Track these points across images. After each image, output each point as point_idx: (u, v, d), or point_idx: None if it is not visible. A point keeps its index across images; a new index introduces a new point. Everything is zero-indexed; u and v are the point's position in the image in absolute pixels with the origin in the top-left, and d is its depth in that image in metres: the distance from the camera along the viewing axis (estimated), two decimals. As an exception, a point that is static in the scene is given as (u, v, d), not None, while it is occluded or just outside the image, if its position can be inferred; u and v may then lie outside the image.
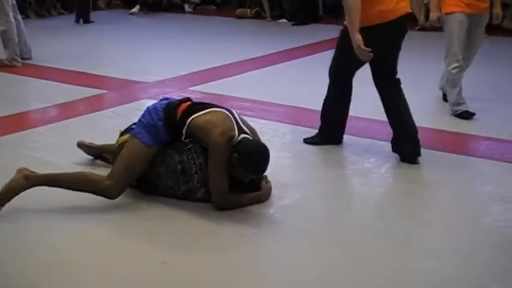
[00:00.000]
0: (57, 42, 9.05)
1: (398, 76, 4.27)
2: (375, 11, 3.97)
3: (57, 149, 4.56)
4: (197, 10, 12.79)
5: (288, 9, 11.16)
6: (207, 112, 3.51)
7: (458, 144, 4.73)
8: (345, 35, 4.08)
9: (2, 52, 7.38)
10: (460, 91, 5.15)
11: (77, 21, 11.04)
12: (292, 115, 5.36)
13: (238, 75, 6.97)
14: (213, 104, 3.66)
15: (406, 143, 4.25)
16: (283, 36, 9.63)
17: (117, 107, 5.65)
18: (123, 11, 12.68)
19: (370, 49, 3.91)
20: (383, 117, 4.78)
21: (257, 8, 11.69)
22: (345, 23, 4.06)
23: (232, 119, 3.49)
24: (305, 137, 4.65)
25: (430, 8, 5.20)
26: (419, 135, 4.27)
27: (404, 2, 4.10)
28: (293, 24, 10.65)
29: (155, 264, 2.98)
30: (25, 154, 4.46)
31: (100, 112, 5.52)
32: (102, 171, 4.06)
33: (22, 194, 3.46)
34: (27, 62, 7.53)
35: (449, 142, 4.78)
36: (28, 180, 3.45)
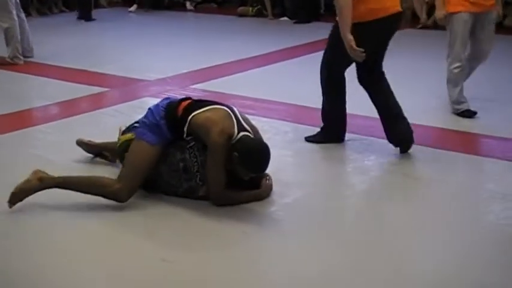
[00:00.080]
0: (58, 40, 9.05)
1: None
2: (366, 8, 4.00)
3: (58, 146, 4.56)
4: (198, 8, 12.78)
5: (290, 7, 11.16)
6: (208, 109, 3.52)
7: (459, 143, 4.73)
8: (336, 32, 4.10)
9: (4, 50, 7.38)
10: (461, 90, 5.15)
11: (80, 18, 11.06)
12: (294, 113, 5.36)
13: (239, 73, 6.97)
14: (215, 102, 3.66)
15: (399, 127, 4.32)
16: (285, 34, 9.63)
17: (118, 105, 5.66)
18: (124, 8, 12.68)
19: (362, 49, 3.94)
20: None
21: (259, 6, 11.68)
22: (337, 18, 4.09)
23: (233, 116, 3.49)
24: (306, 135, 4.65)
25: (436, 6, 5.14)
26: (422, 133, 4.27)
27: (395, 1, 4.16)
28: (295, 23, 10.64)
29: (155, 262, 2.98)
30: (26, 152, 4.47)
31: (101, 110, 5.53)
32: (102, 169, 4.08)
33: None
34: (29, 59, 7.54)
35: (451, 140, 4.78)
36: (42, 183, 3.49)
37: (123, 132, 3.95)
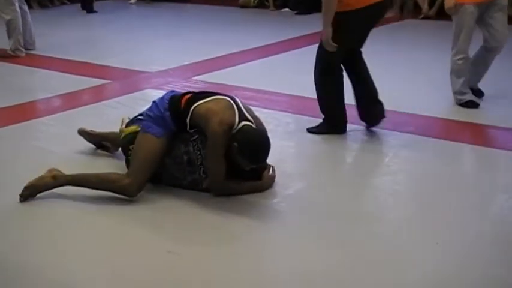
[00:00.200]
0: (60, 32, 9.05)
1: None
2: None
3: (61, 138, 4.57)
4: (200, -1, 12.78)
5: (291, -3, 11.15)
6: (210, 100, 3.52)
7: (462, 133, 4.72)
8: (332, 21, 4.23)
9: (5, 42, 7.38)
10: (465, 81, 5.13)
11: (83, 8, 11.08)
12: (296, 104, 5.36)
13: (241, 64, 6.96)
14: (217, 93, 3.66)
15: (374, 106, 4.55)
16: (287, 25, 9.61)
17: (120, 96, 5.66)
18: (125, 1, 12.66)
19: (336, 45, 4.21)
20: (386, 106, 4.77)
21: (260, -3, 11.67)
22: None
23: (235, 106, 3.48)
24: (308, 126, 4.65)
25: None
26: (424, 124, 4.27)
27: None
28: (296, 14, 10.63)
29: (161, 254, 2.99)
30: (29, 144, 4.48)
31: (103, 102, 5.53)
32: (104, 161, 4.09)
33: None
34: (31, 52, 7.54)
35: (453, 131, 4.77)
36: (55, 180, 3.53)
37: (127, 125, 3.95)
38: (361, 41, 4.45)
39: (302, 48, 7.55)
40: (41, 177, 3.52)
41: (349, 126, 4.60)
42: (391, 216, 3.41)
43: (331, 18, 4.15)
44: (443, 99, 5.31)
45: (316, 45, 4.48)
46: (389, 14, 10.19)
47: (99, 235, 3.22)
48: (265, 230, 3.28)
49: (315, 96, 4.59)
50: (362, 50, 4.56)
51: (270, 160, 3.60)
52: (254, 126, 3.48)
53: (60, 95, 5.78)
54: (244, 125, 3.42)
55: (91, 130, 4.27)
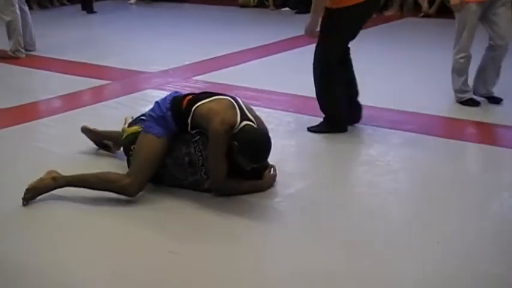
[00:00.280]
0: (60, 33, 9.05)
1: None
2: None
3: (61, 139, 4.57)
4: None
5: (291, -3, 11.14)
6: (211, 100, 3.52)
7: (463, 131, 4.72)
8: (326, 20, 4.36)
9: (5, 43, 7.37)
10: (466, 79, 5.12)
11: (84, 9, 11.10)
12: (296, 104, 5.35)
13: (241, 64, 6.96)
14: (218, 93, 3.66)
15: (356, 106, 4.65)
16: (287, 24, 9.60)
17: (120, 97, 5.65)
18: (125, 1, 12.66)
19: (317, 31, 4.44)
20: (386, 104, 4.79)
21: (260, -3, 11.67)
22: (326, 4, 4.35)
23: (236, 106, 3.48)
24: (309, 125, 4.65)
25: None
26: (425, 122, 4.27)
27: None
28: (296, 13, 10.61)
29: (163, 254, 2.99)
30: (29, 145, 4.48)
31: (104, 103, 5.52)
32: (105, 161, 4.09)
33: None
34: (31, 53, 7.53)
35: (454, 129, 4.77)
36: (55, 182, 3.52)
37: (130, 125, 3.95)
38: (352, 38, 4.48)
39: (302, 48, 7.53)
40: (41, 179, 3.51)
41: (349, 126, 4.60)
42: (392, 216, 3.41)
43: (320, 12, 4.32)
44: (444, 98, 5.30)
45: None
46: (389, 12, 10.22)
47: (99, 235, 3.21)
48: (266, 230, 3.28)
49: (315, 95, 4.59)
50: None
51: (270, 159, 3.60)
52: (255, 126, 3.48)
53: (61, 95, 5.78)
54: (246, 124, 3.41)
55: (94, 128, 4.28)
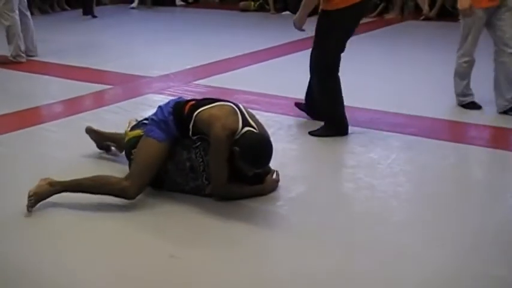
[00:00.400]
0: (61, 38, 9.05)
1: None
2: None
3: (63, 144, 4.58)
4: (200, 3, 12.77)
5: (291, 1, 11.14)
6: (213, 106, 3.52)
7: (464, 134, 4.72)
8: (323, 22, 4.46)
9: (6, 49, 7.38)
10: (468, 83, 5.12)
11: (85, 14, 11.13)
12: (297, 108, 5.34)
13: (242, 68, 6.97)
14: (220, 99, 3.66)
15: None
16: (287, 28, 9.56)
17: (122, 102, 5.66)
18: (125, 5, 12.68)
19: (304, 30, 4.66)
20: (387, 107, 4.79)
21: (260, 1, 11.69)
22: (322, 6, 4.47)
23: (238, 112, 3.49)
24: (310, 129, 4.65)
25: None
26: (426, 125, 4.27)
27: None
28: (296, 17, 10.63)
29: (164, 258, 2.99)
30: (31, 150, 4.48)
31: (105, 107, 5.53)
32: (108, 166, 4.09)
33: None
34: (32, 58, 7.54)
35: (456, 132, 4.77)
36: (53, 187, 3.50)
37: (133, 128, 3.95)
38: (345, 38, 4.51)
39: (303, 51, 7.52)
40: (38, 186, 3.47)
41: (350, 129, 4.60)
42: (393, 218, 3.40)
43: (310, 9, 4.56)
44: (445, 100, 5.31)
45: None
46: (390, 15, 10.24)
47: (100, 239, 3.21)
48: (268, 233, 3.28)
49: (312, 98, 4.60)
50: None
51: (272, 164, 3.60)
52: (256, 132, 3.48)
53: (62, 100, 5.78)
54: (247, 130, 3.42)
55: (98, 129, 4.29)
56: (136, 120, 4.10)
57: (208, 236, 3.24)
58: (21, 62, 7.27)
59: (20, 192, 3.48)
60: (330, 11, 4.35)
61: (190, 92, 5.79)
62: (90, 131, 4.29)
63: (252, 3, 11.75)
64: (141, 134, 3.70)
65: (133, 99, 5.74)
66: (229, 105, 3.54)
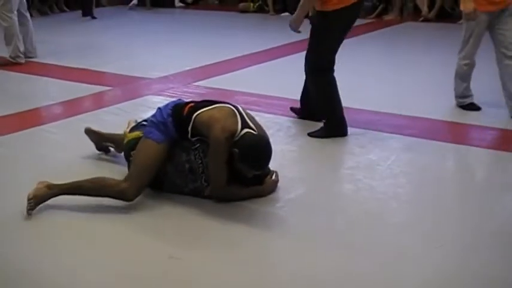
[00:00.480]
0: (60, 40, 9.05)
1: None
2: None
3: (63, 146, 4.58)
4: (199, 5, 12.77)
5: (291, 2, 11.14)
6: (212, 108, 3.52)
7: (464, 135, 4.72)
8: (319, 23, 4.47)
9: (5, 50, 7.38)
10: (468, 85, 5.12)
11: (85, 15, 11.15)
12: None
13: (242, 69, 6.97)
14: (219, 101, 3.67)
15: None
16: (286, 29, 9.57)
17: (121, 103, 5.66)
18: (124, 7, 12.68)
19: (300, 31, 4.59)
20: (386, 109, 4.78)
21: (260, 2, 11.69)
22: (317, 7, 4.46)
23: (237, 114, 3.49)
24: (309, 130, 4.65)
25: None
26: (426, 126, 4.27)
27: None
28: (296, 18, 10.63)
29: (163, 259, 2.99)
30: (31, 151, 4.48)
31: (104, 109, 5.53)
32: (107, 167, 4.09)
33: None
34: (31, 59, 7.54)
35: (456, 133, 4.77)
36: (51, 190, 3.49)
37: (131, 129, 3.96)
38: (340, 39, 4.53)
39: (302, 52, 7.51)
40: (37, 189, 3.46)
41: (350, 130, 4.60)
42: (393, 219, 3.40)
43: (307, 10, 4.53)
44: (445, 102, 5.31)
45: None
46: (389, 17, 10.24)
47: (99, 240, 3.21)
48: (267, 235, 3.28)
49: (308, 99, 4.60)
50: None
51: (271, 165, 3.60)
52: (255, 134, 3.48)
53: (61, 102, 5.78)
54: (246, 132, 3.42)
55: (98, 130, 4.29)
56: (136, 121, 4.10)
57: (208, 238, 3.24)
58: (20, 63, 7.27)
59: (20, 193, 3.48)
60: (327, 11, 4.35)
61: (189, 93, 5.79)
62: (89, 132, 4.29)
63: (251, 4, 11.76)
64: (140, 135, 3.70)
65: (133, 101, 5.74)
66: (228, 107, 3.54)
